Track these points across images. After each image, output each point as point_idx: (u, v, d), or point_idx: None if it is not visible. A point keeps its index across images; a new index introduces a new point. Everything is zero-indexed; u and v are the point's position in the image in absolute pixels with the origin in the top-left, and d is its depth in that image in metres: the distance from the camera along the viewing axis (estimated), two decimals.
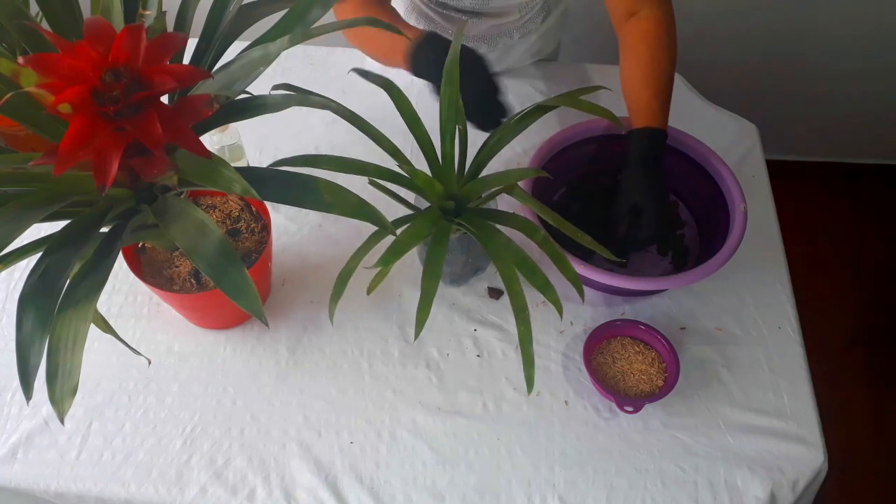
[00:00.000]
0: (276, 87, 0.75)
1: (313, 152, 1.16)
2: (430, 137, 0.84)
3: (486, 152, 0.84)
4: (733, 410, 0.92)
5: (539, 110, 0.84)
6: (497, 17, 1.13)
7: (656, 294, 1.02)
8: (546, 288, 0.76)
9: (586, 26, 1.64)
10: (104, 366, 0.94)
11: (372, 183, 0.80)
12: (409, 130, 0.84)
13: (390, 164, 0.82)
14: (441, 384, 0.94)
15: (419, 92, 1.11)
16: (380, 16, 0.97)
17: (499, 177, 0.81)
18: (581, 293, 0.80)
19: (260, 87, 0.70)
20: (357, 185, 0.82)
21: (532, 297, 1.01)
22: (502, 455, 0.89)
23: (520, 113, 0.85)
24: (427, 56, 0.90)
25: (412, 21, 1.18)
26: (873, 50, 1.75)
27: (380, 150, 0.82)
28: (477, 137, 0.87)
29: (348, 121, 0.77)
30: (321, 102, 0.66)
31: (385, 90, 0.84)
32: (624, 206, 0.93)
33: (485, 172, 0.84)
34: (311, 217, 1.09)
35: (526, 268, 0.77)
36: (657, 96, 0.93)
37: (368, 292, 0.82)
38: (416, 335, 0.75)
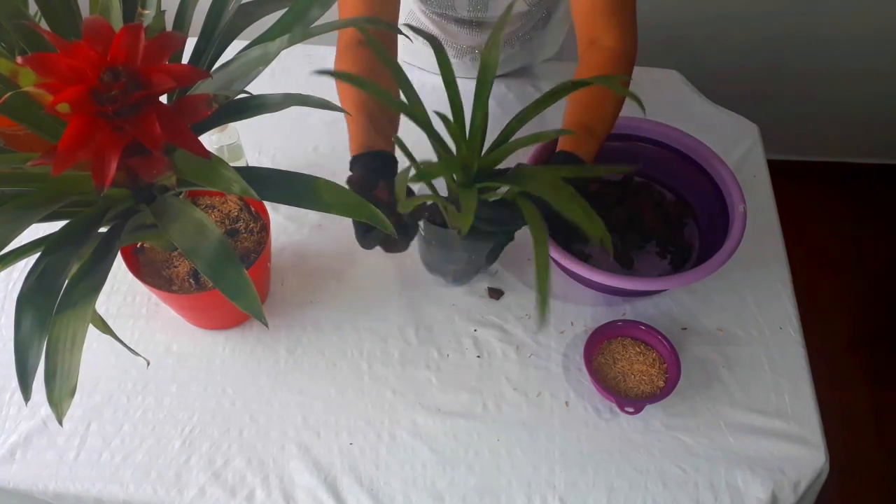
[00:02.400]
0: (318, 72, 0.69)
1: (313, 152, 1.17)
2: (462, 103, 0.79)
3: (509, 132, 0.81)
4: (734, 411, 0.92)
5: (570, 87, 0.80)
6: None
7: (657, 294, 1.02)
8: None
9: None
10: (103, 366, 0.94)
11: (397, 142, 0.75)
12: (408, 124, 0.82)
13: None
14: (441, 385, 0.94)
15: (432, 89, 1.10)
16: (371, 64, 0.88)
17: (526, 139, 0.76)
18: (608, 244, 0.71)
19: (259, 86, 0.70)
20: None
21: (532, 296, 1.01)
22: (502, 456, 0.89)
23: (550, 91, 0.81)
24: (363, 171, 0.83)
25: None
26: (874, 50, 1.75)
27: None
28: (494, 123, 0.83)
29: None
30: (321, 102, 0.65)
31: (435, 52, 0.79)
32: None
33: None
34: (310, 217, 1.08)
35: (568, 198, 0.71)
36: (590, 132, 0.87)
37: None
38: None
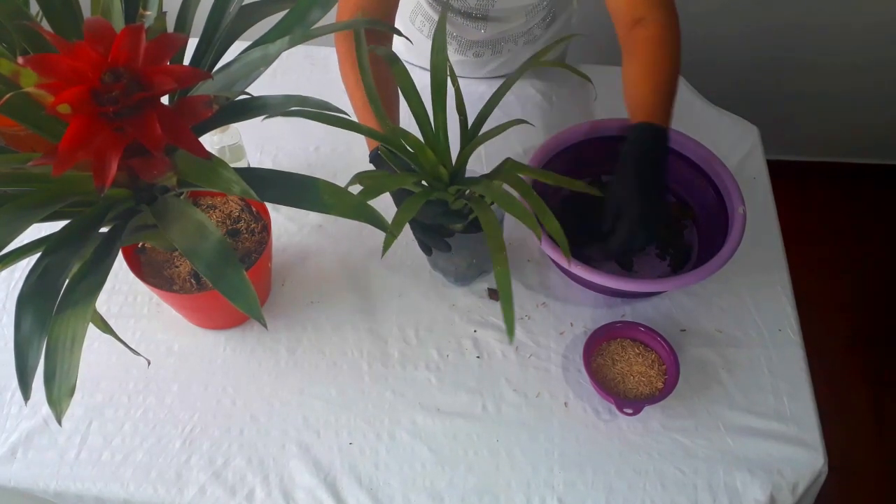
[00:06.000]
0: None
1: (313, 152, 1.17)
2: (426, 109, 0.83)
3: (477, 122, 0.83)
4: (733, 413, 0.92)
5: (532, 63, 0.83)
6: (502, 22, 1.13)
7: (656, 296, 1.02)
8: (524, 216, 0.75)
9: (590, 28, 1.63)
10: (104, 366, 0.94)
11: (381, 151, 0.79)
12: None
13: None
14: (441, 385, 0.94)
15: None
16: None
17: (484, 136, 0.79)
18: (566, 251, 0.77)
19: (260, 87, 0.70)
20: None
21: (532, 297, 1.01)
22: (501, 456, 0.89)
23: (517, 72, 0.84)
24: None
25: (416, 24, 1.17)
26: (874, 50, 1.75)
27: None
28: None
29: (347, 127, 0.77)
30: (321, 104, 0.66)
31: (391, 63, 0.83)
32: (608, 207, 0.88)
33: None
34: (311, 217, 1.09)
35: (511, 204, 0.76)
36: (656, 93, 0.90)
37: (382, 255, 0.80)
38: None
